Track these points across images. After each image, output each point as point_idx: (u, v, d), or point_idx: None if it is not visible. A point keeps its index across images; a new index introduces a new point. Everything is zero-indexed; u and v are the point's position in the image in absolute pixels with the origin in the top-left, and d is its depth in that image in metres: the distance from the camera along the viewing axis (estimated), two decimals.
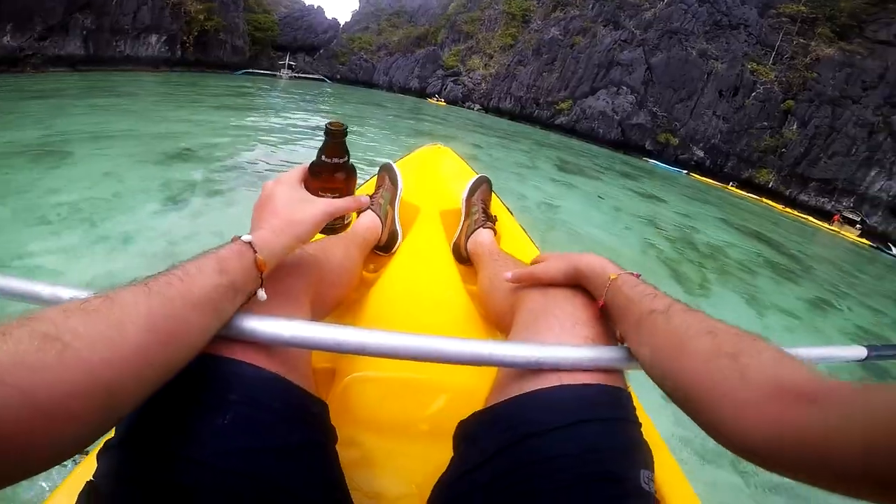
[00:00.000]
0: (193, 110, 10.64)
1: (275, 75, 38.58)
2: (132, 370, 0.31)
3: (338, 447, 0.50)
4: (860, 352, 0.65)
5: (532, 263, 0.67)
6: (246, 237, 0.45)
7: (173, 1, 28.50)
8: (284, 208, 0.50)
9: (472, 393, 0.66)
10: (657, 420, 0.72)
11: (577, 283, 0.58)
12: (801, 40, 33.07)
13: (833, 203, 27.30)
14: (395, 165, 1.18)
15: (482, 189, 1.15)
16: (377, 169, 1.20)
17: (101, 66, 23.80)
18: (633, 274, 0.53)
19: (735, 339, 0.39)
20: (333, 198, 0.55)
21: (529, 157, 12.94)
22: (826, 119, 28.72)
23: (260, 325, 0.43)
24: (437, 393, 0.71)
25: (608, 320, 0.54)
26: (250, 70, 36.66)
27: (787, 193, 28.84)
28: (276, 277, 0.51)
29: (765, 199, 25.25)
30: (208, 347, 0.40)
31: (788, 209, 23.61)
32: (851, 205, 26.69)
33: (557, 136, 33.04)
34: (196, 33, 30.93)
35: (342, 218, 0.59)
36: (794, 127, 30.06)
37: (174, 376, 0.36)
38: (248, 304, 0.44)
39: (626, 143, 33.94)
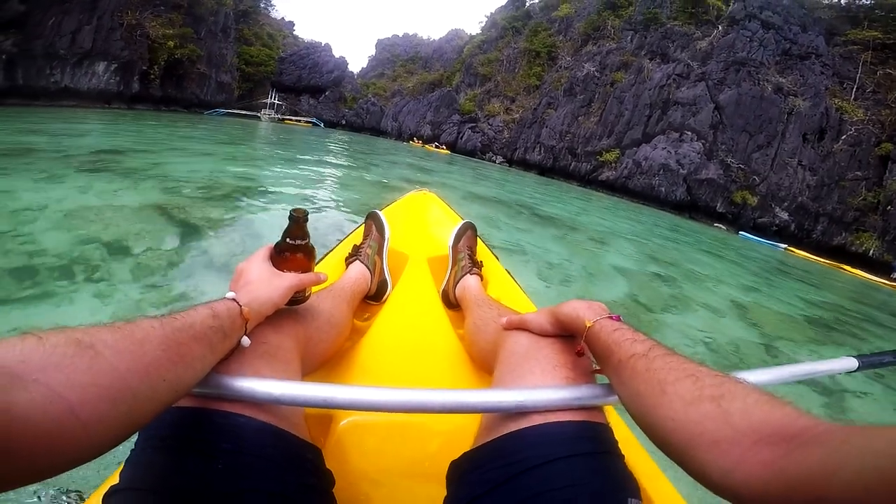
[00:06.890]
0: None
1: (257, 117, 33.27)
2: (150, 381, 0.35)
3: (336, 492, 0.53)
4: (850, 363, 0.63)
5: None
6: (230, 294, 0.53)
7: (129, 22, 22.83)
8: (258, 280, 0.58)
9: (464, 434, 0.70)
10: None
11: (562, 333, 0.60)
12: (886, 70, 26.59)
13: None
14: (381, 214, 1.19)
15: (467, 235, 1.19)
16: (364, 217, 1.22)
17: (31, 99, 18.18)
18: (612, 317, 0.54)
19: (717, 382, 0.38)
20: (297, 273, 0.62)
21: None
22: None
23: (251, 385, 0.47)
24: (431, 435, 0.74)
25: (589, 360, 0.58)
26: (229, 110, 31.39)
27: None
28: (264, 337, 0.56)
29: None
30: (203, 403, 0.46)
31: None
32: None
33: (601, 194, 25.68)
34: (163, 63, 25.55)
35: (303, 291, 0.65)
36: None
37: (179, 398, 0.41)
38: (237, 349, 0.51)
39: (694, 204, 26.27)
